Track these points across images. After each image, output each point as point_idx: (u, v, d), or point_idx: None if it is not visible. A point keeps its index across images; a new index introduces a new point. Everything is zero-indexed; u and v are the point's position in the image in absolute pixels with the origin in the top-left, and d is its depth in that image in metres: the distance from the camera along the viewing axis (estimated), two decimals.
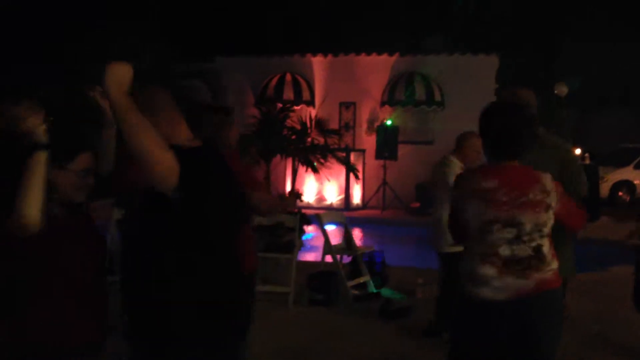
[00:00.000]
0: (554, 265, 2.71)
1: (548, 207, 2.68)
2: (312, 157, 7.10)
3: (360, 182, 14.64)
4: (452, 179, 3.19)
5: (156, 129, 2.08)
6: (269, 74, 15.20)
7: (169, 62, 7.28)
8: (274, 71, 15.22)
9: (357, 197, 14.84)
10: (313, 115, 14.54)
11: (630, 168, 17.13)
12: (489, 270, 2.65)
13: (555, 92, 17.34)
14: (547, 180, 2.71)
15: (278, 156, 6.74)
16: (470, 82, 14.42)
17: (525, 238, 2.65)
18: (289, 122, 7.48)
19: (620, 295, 5.86)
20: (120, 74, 2.00)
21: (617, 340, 5.29)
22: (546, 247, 2.69)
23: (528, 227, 2.64)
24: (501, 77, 15.56)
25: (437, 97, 14.72)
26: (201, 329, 2.17)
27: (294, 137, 7.07)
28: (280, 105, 8.00)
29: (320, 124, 7.83)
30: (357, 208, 14.58)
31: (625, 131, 21.49)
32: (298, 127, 7.30)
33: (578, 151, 13.30)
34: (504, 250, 2.65)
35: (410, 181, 13.93)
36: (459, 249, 3.02)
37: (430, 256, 5.48)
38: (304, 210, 8.15)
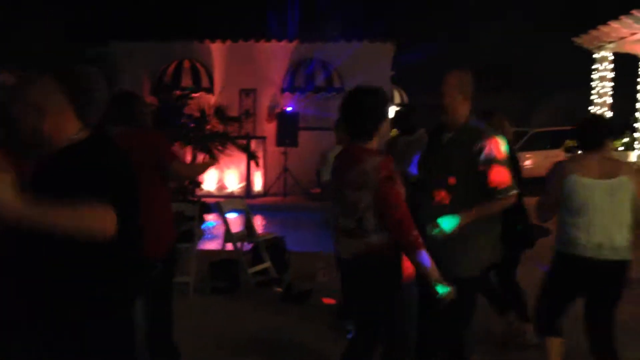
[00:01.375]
0: (380, 235, 3.02)
1: (362, 187, 2.99)
2: (211, 145, 7.03)
3: (262, 169, 14.66)
4: None
5: (43, 119, 2.09)
6: (167, 60, 14.82)
7: (61, 46, 6.90)
8: (172, 57, 14.86)
9: (258, 185, 14.86)
10: (213, 102, 14.42)
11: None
12: (336, 234, 3.20)
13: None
14: (369, 163, 2.99)
15: (177, 145, 6.61)
16: (368, 68, 14.75)
17: (348, 212, 3.05)
18: (188, 110, 7.34)
19: None
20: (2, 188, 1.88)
21: None
22: (368, 221, 3.01)
23: (348, 202, 3.04)
24: (397, 64, 16.03)
25: (336, 84, 14.94)
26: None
27: (192, 125, 6.96)
28: (178, 92, 7.81)
29: (219, 112, 7.73)
30: (259, 195, 14.60)
31: (510, 116, 22.74)
32: (197, 114, 7.20)
33: None
34: (339, 221, 3.13)
35: (311, 167, 14.04)
36: None
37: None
38: (204, 199, 8.06)
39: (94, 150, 2.17)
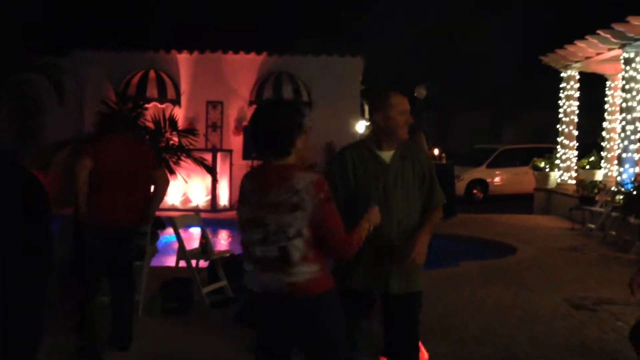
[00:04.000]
0: (308, 269, 2.67)
1: (295, 208, 2.63)
2: (168, 157, 6.77)
3: (228, 183, 14.39)
4: None
5: None
6: (132, 70, 14.49)
7: (8, 54, 6.59)
8: (137, 67, 14.53)
9: (224, 199, 14.58)
10: (181, 114, 14.13)
11: (483, 167, 18.26)
12: (250, 266, 2.81)
13: (415, 94, 18.06)
14: (300, 180, 2.66)
15: None
16: (337, 83, 14.65)
17: (272, 239, 2.67)
18: (145, 121, 7.09)
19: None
20: None
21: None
22: (295, 249, 2.64)
23: (272, 228, 2.67)
24: (366, 79, 15.97)
25: (305, 97, 14.78)
26: None
27: (147, 136, 6.71)
28: (130, 104, 7.53)
29: (172, 123, 7.45)
30: (224, 209, 14.32)
31: (479, 133, 22.97)
32: (152, 126, 6.94)
33: (436, 151, 13.92)
34: (256, 250, 2.72)
35: None
36: None
37: None
38: (166, 213, 7.78)
39: None
